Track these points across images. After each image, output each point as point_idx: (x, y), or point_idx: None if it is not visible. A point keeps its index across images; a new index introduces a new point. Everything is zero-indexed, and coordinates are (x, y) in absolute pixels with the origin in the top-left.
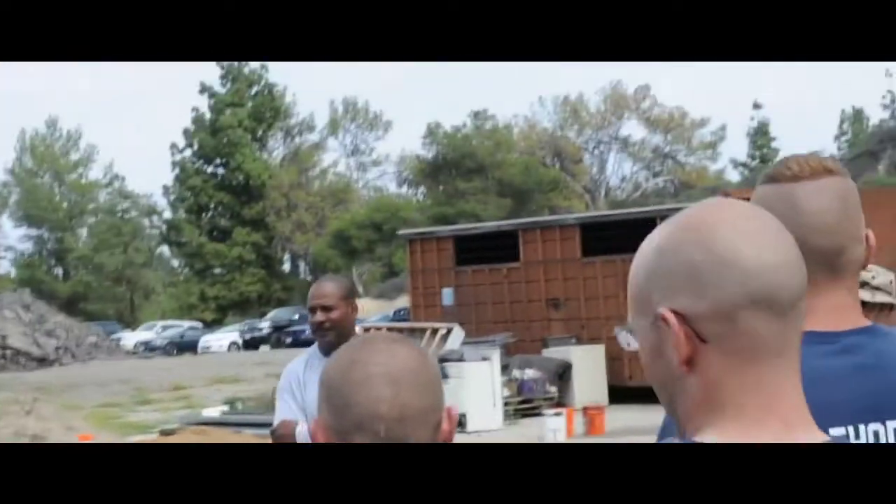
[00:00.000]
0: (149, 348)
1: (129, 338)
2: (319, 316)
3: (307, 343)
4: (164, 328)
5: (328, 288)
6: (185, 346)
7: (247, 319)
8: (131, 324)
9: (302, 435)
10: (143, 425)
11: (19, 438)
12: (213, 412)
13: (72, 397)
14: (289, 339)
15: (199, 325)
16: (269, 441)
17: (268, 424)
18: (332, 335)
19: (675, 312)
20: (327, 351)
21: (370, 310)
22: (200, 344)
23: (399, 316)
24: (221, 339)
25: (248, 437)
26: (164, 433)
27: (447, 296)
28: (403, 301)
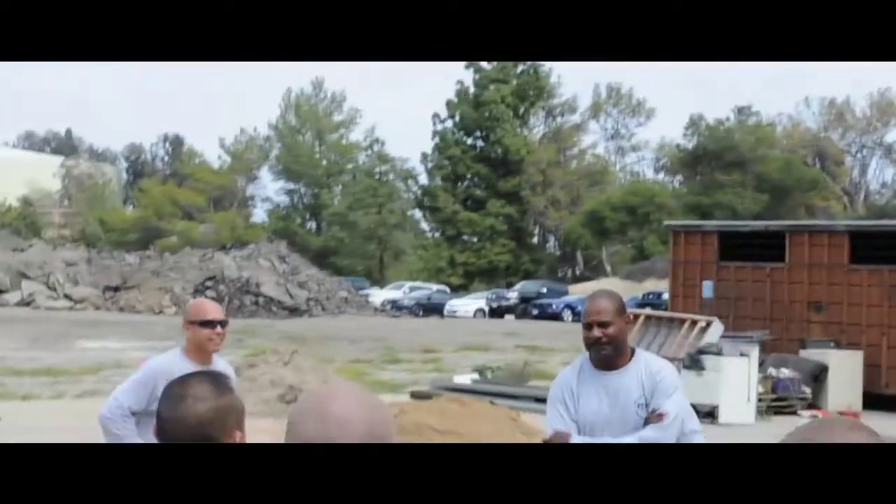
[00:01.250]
0: (396, 307)
1: (378, 295)
2: (596, 332)
3: (553, 317)
4: (412, 289)
5: (604, 304)
6: (431, 309)
7: (493, 288)
8: (380, 282)
9: None
10: (394, 384)
11: (277, 388)
12: (464, 379)
13: (323, 350)
14: (535, 311)
15: (446, 288)
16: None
17: (520, 397)
18: (609, 349)
19: None
20: (602, 364)
21: (618, 290)
22: (447, 308)
23: (649, 299)
24: (468, 304)
25: (502, 408)
26: (416, 396)
27: (707, 288)
28: (651, 284)
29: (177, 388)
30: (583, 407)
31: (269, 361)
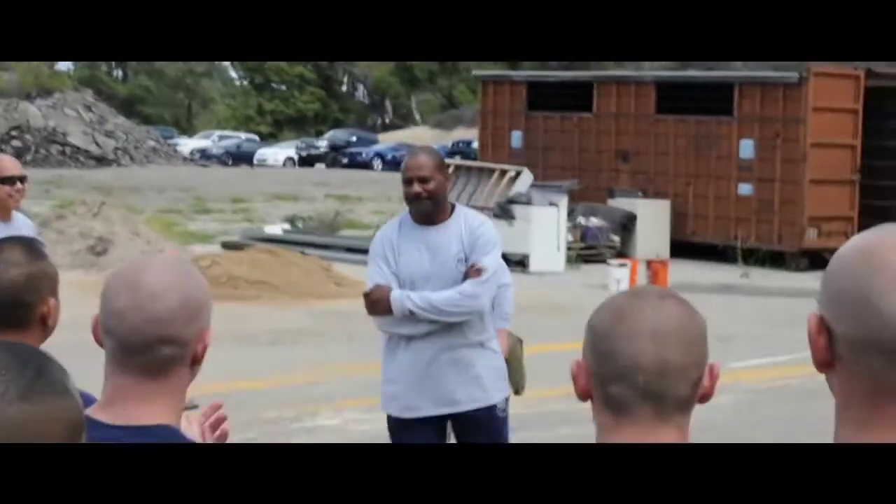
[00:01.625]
0: (205, 156)
1: (186, 144)
2: (416, 187)
3: (363, 165)
4: (221, 138)
5: (424, 159)
6: (241, 158)
7: (302, 137)
8: (188, 131)
9: (397, 300)
10: (204, 235)
11: (86, 240)
12: (275, 229)
13: (132, 200)
14: (345, 160)
15: (255, 137)
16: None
17: (331, 247)
18: (429, 204)
19: (821, 320)
20: (422, 219)
21: (427, 139)
22: (256, 156)
23: (458, 147)
24: (278, 153)
25: (313, 258)
26: (227, 247)
27: (516, 138)
28: (461, 133)
29: None
30: (403, 261)
31: (77, 213)
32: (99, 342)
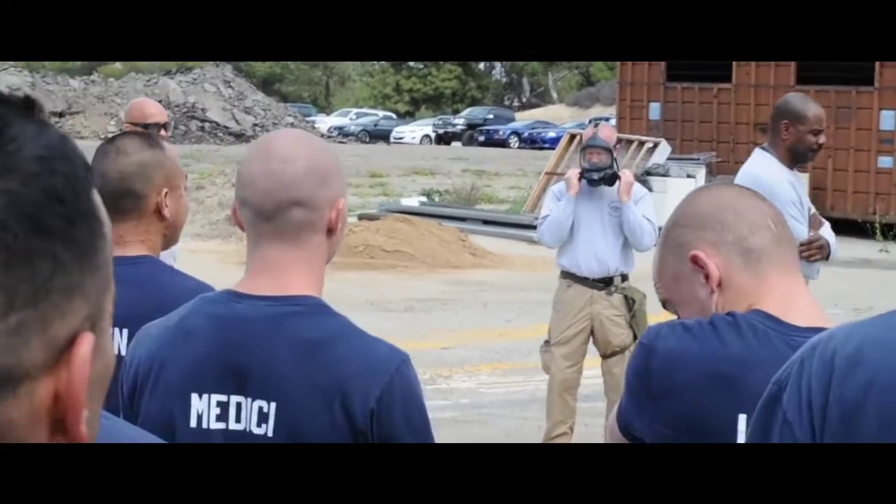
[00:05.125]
0: (343, 133)
1: (324, 122)
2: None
3: (499, 143)
4: (358, 115)
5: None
6: (378, 135)
7: (439, 115)
8: (326, 108)
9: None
10: None
11: (224, 210)
12: (412, 202)
13: None
14: (481, 138)
15: (392, 115)
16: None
17: (467, 219)
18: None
19: None
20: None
21: (564, 117)
22: (393, 134)
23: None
24: (414, 131)
25: (450, 228)
26: (364, 217)
27: (654, 110)
28: (598, 111)
29: (105, 144)
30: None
31: (216, 183)
32: (240, 224)
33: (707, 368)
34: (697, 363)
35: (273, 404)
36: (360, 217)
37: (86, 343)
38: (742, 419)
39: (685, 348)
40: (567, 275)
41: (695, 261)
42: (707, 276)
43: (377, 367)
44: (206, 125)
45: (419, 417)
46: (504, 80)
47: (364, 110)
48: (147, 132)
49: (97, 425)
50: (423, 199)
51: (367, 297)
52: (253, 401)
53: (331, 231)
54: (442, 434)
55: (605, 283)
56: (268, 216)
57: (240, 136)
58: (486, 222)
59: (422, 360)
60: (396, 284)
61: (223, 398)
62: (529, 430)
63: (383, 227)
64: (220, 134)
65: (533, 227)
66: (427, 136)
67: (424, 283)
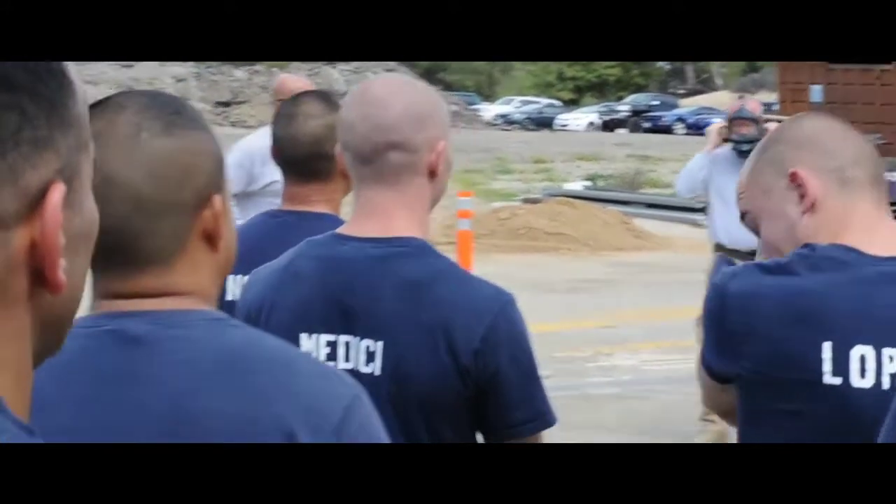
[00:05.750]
0: (507, 121)
1: (488, 110)
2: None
3: (664, 129)
4: (523, 103)
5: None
6: (542, 123)
7: (603, 102)
8: (489, 97)
9: None
10: (506, 193)
11: None
12: (576, 186)
13: None
14: (647, 124)
15: (557, 102)
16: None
17: (631, 203)
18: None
19: None
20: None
21: (728, 103)
22: (557, 121)
23: (766, 110)
24: (579, 118)
25: (613, 211)
26: (528, 201)
27: (816, 93)
28: (762, 96)
29: (289, 107)
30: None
31: None
32: (343, 170)
33: (784, 302)
34: (774, 299)
35: (380, 343)
36: (524, 201)
37: (57, 192)
38: (827, 346)
39: (759, 284)
40: (718, 247)
41: (794, 178)
42: (803, 196)
43: (481, 307)
44: None
45: (525, 357)
46: (667, 67)
47: (528, 98)
48: (325, 91)
49: (81, 282)
50: (588, 183)
51: (530, 279)
52: (361, 340)
53: (432, 173)
54: (604, 409)
55: (752, 255)
56: (367, 160)
57: None
58: (649, 206)
59: (584, 338)
60: (559, 266)
61: (332, 338)
62: (688, 405)
63: (546, 211)
64: None
65: (697, 210)
66: (591, 123)
67: (587, 264)
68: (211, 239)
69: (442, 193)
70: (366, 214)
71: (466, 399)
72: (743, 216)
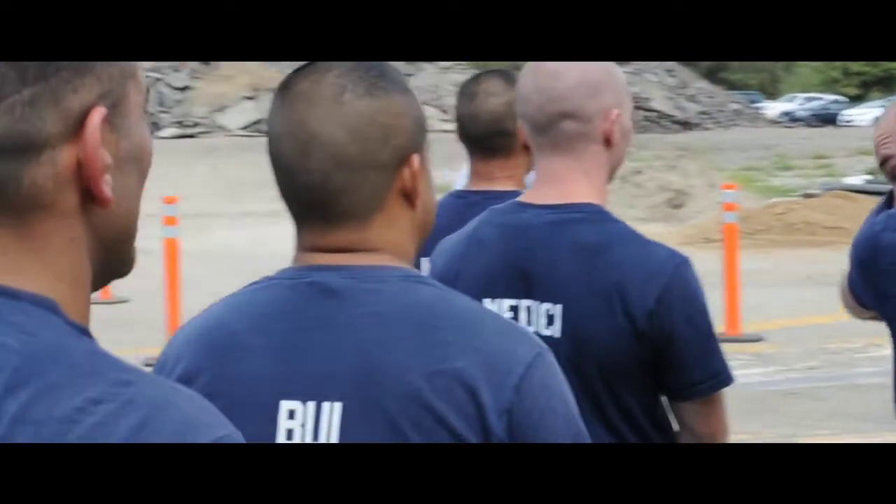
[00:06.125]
0: (790, 118)
1: (772, 108)
2: None
3: None
4: (807, 100)
5: None
6: (827, 119)
7: (889, 96)
8: (773, 95)
9: None
10: (785, 189)
11: (662, 192)
12: (855, 180)
13: (713, 159)
14: None
15: (842, 98)
16: None
17: None
18: None
19: None
20: None
21: None
22: (841, 117)
23: None
24: (864, 113)
25: None
26: (807, 196)
27: None
28: None
29: (470, 86)
30: None
31: (653, 166)
32: (526, 147)
33: None
34: None
35: (559, 307)
36: (804, 195)
37: (97, 115)
38: None
39: None
40: None
41: None
42: None
43: (655, 268)
44: (651, 114)
45: (700, 318)
46: None
47: (812, 95)
48: (506, 70)
49: (133, 203)
50: (868, 177)
51: (807, 272)
52: (541, 304)
53: (608, 141)
54: (864, 398)
55: None
56: (542, 129)
57: (684, 124)
58: None
59: (855, 330)
60: (836, 260)
61: (514, 302)
62: None
63: (823, 205)
64: (665, 122)
65: None
66: (876, 117)
67: None
68: (409, 197)
69: (620, 161)
70: (544, 182)
71: (644, 361)
72: (883, 162)
